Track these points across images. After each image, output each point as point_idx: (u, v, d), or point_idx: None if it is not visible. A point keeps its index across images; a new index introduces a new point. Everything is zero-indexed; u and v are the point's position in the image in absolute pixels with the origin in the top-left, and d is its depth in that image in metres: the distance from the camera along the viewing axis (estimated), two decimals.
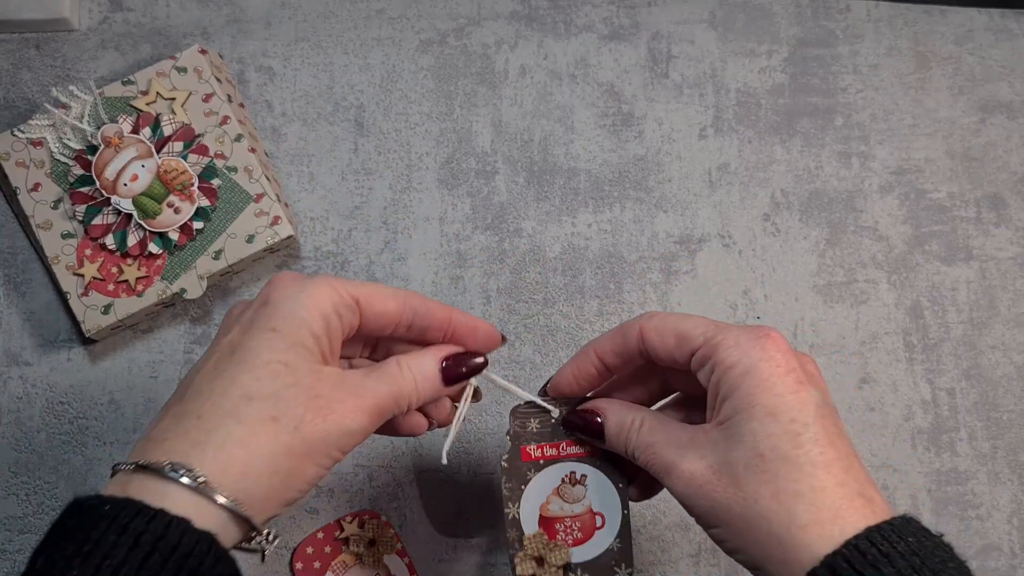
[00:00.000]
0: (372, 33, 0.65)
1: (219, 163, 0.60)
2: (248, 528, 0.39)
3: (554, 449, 0.48)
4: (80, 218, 0.58)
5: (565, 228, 0.62)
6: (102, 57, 0.64)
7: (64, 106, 0.60)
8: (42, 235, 0.59)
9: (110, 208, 0.58)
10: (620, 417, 0.45)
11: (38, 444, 0.59)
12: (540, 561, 0.48)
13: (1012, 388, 0.60)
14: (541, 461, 0.48)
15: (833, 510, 0.38)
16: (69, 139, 0.59)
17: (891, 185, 0.63)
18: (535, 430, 0.49)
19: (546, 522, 0.48)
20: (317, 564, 0.56)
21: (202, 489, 0.37)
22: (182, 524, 0.35)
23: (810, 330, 0.61)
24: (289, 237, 0.59)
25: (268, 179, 0.60)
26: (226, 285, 0.61)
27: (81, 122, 0.59)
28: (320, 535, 0.57)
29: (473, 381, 0.47)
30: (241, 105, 0.63)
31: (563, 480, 0.48)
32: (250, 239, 0.59)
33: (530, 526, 0.48)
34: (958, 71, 0.65)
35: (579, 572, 0.48)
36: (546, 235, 0.62)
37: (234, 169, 0.60)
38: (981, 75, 0.65)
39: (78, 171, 0.59)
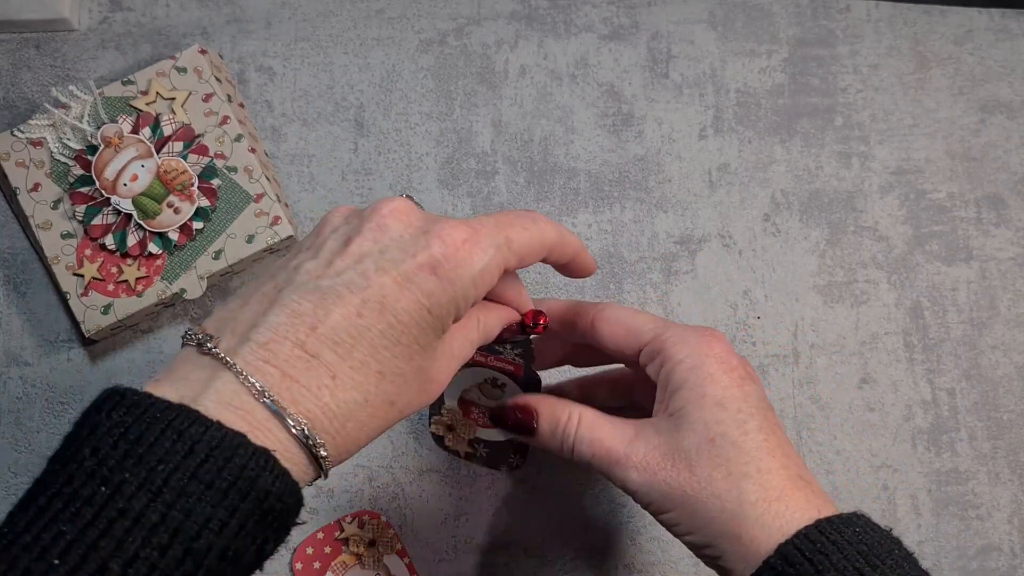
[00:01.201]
0: (372, 33, 0.65)
1: (219, 163, 0.60)
2: (317, 466, 0.38)
3: (482, 357, 0.49)
4: (80, 218, 0.58)
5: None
6: (102, 57, 0.64)
7: (64, 106, 0.60)
8: (42, 235, 0.59)
9: (110, 208, 0.58)
10: (554, 412, 0.46)
11: (38, 444, 0.59)
12: (451, 428, 0.53)
13: (1012, 388, 0.60)
14: (470, 362, 0.48)
15: (778, 489, 0.41)
16: (69, 139, 0.59)
17: (891, 185, 0.63)
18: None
19: (464, 404, 0.52)
20: (317, 564, 0.56)
21: (310, 446, 0.36)
22: (238, 437, 0.34)
23: (810, 330, 0.61)
24: (289, 237, 0.59)
25: (268, 179, 0.60)
26: (226, 285, 0.61)
27: (81, 122, 0.59)
28: (320, 535, 0.57)
29: None
30: (241, 105, 0.63)
31: (485, 380, 0.51)
32: (250, 239, 0.59)
33: (451, 401, 0.53)
34: (958, 71, 0.65)
35: (480, 447, 0.53)
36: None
37: (234, 169, 0.60)
38: (981, 75, 0.65)
39: (78, 171, 0.59)
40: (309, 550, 0.56)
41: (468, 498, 0.58)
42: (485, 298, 0.43)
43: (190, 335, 0.38)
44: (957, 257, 0.62)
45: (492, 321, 0.44)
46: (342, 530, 0.57)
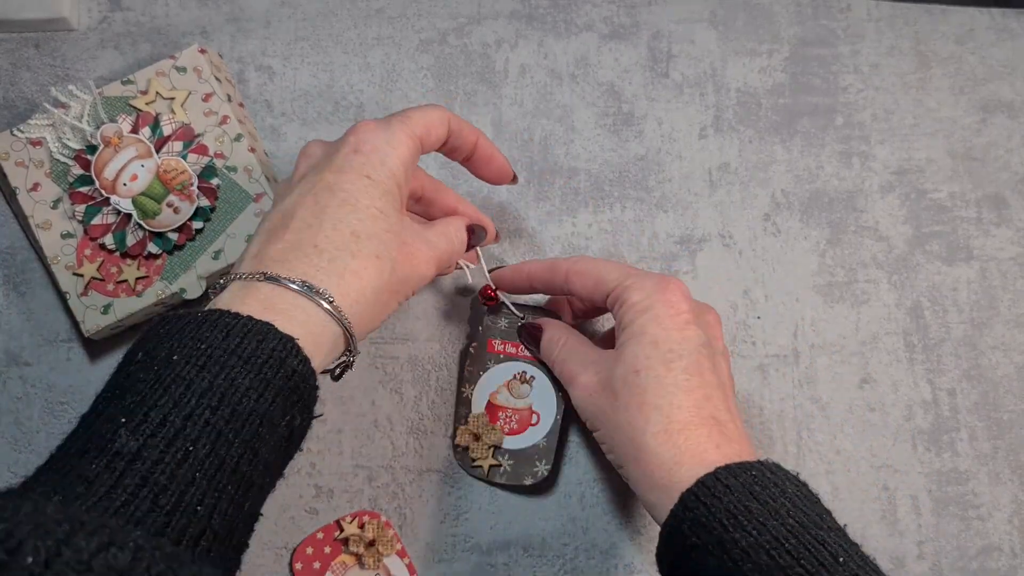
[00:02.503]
0: (372, 33, 0.65)
1: (219, 163, 0.59)
2: (344, 350, 0.45)
3: (515, 348, 0.57)
4: (79, 218, 0.58)
5: (565, 228, 0.62)
6: (101, 57, 0.64)
7: (63, 106, 0.60)
8: (41, 235, 0.59)
9: (109, 208, 0.58)
10: (552, 334, 0.55)
11: (38, 444, 0.59)
12: (477, 437, 0.57)
13: (1013, 388, 0.60)
14: (501, 355, 0.57)
15: (682, 424, 0.45)
16: (68, 139, 0.59)
17: (892, 185, 0.63)
18: (503, 328, 0.58)
19: (491, 408, 0.57)
20: (317, 564, 0.56)
21: (329, 308, 0.42)
22: (267, 325, 0.40)
23: (811, 330, 0.61)
24: None
25: (268, 179, 0.60)
26: None
27: (80, 122, 0.59)
28: (320, 535, 0.57)
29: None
30: (241, 105, 0.63)
31: (514, 376, 0.57)
32: (250, 239, 0.59)
33: (478, 407, 0.57)
34: (959, 71, 0.65)
35: (505, 457, 0.56)
36: (546, 235, 0.62)
37: (234, 169, 0.59)
38: (982, 75, 0.65)
39: (77, 171, 0.59)
40: (309, 550, 0.56)
41: (468, 498, 0.58)
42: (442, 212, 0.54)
43: (213, 287, 0.45)
44: (958, 257, 0.62)
45: (452, 224, 0.52)
46: (342, 530, 0.57)
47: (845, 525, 0.43)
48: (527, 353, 0.57)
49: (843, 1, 0.66)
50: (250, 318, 0.40)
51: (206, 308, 0.41)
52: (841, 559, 0.39)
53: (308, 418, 0.43)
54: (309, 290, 0.42)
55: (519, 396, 0.57)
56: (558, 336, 0.54)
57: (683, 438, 0.44)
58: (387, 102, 0.64)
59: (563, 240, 0.62)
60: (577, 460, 0.59)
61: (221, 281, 0.44)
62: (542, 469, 0.56)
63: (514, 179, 0.56)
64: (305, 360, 0.41)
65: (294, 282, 0.42)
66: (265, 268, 0.43)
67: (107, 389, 0.39)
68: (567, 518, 0.58)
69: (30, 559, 0.28)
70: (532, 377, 0.57)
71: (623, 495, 0.58)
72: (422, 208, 0.54)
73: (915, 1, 0.66)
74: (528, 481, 0.56)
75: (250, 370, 0.38)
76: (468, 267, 0.58)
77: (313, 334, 0.42)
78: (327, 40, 0.65)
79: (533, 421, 0.57)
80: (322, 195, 0.45)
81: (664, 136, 0.64)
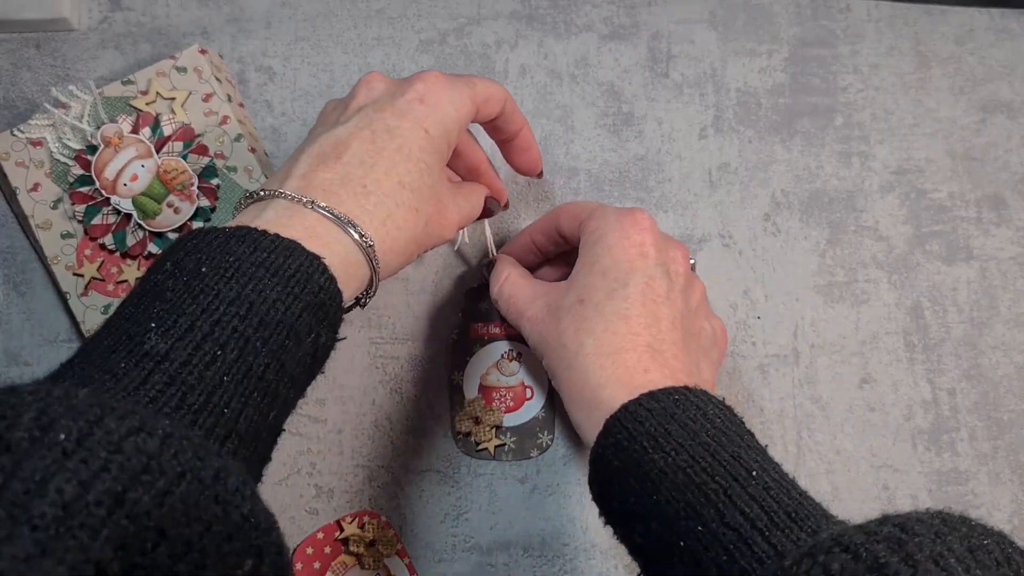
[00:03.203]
0: (372, 33, 0.65)
1: (219, 163, 0.59)
2: (365, 288, 0.45)
3: (498, 328, 0.59)
4: (80, 218, 0.58)
5: None
6: (102, 57, 0.64)
7: (64, 106, 0.60)
8: (42, 235, 0.59)
9: (110, 208, 0.58)
10: (498, 271, 0.55)
11: None
12: (477, 421, 0.58)
13: (1013, 388, 0.60)
14: (486, 338, 0.59)
15: (615, 348, 0.46)
16: (69, 139, 0.59)
17: (892, 185, 0.63)
18: (484, 310, 0.59)
19: (485, 390, 0.58)
20: (317, 564, 0.56)
21: (367, 250, 0.43)
22: (294, 243, 0.40)
23: (810, 330, 0.61)
24: None
25: (268, 179, 0.60)
26: None
27: (81, 122, 0.59)
28: (320, 535, 0.57)
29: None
30: (241, 105, 0.63)
31: (502, 356, 0.58)
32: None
33: (471, 392, 0.58)
34: (959, 71, 0.65)
35: (508, 434, 0.58)
36: None
37: (234, 169, 0.60)
38: (982, 75, 0.65)
39: (78, 171, 0.59)
40: (309, 550, 0.56)
41: (468, 498, 0.58)
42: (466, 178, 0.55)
43: (241, 201, 0.45)
44: (957, 257, 0.62)
45: (476, 192, 0.53)
46: (342, 530, 0.57)
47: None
48: (511, 331, 0.58)
49: (843, 1, 0.66)
50: (277, 235, 0.40)
51: (234, 223, 0.41)
52: (755, 473, 0.39)
53: (332, 337, 0.43)
54: (353, 229, 0.43)
55: (509, 374, 0.58)
56: (503, 272, 0.55)
57: (611, 361, 0.45)
58: None
59: None
60: (577, 460, 0.59)
61: (261, 191, 0.44)
62: (545, 440, 0.58)
63: (540, 174, 0.57)
64: (332, 279, 0.41)
65: (341, 217, 0.42)
66: (314, 195, 0.43)
67: (134, 296, 0.39)
68: (567, 518, 0.58)
69: (62, 435, 0.29)
70: (519, 354, 0.58)
71: None
72: (451, 159, 0.54)
73: (915, 1, 0.66)
74: (535, 454, 0.58)
75: (278, 282, 0.39)
76: (464, 232, 0.59)
77: (346, 264, 0.42)
78: (327, 41, 0.65)
79: (528, 396, 0.58)
80: (380, 135, 0.45)
81: (664, 136, 0.64)
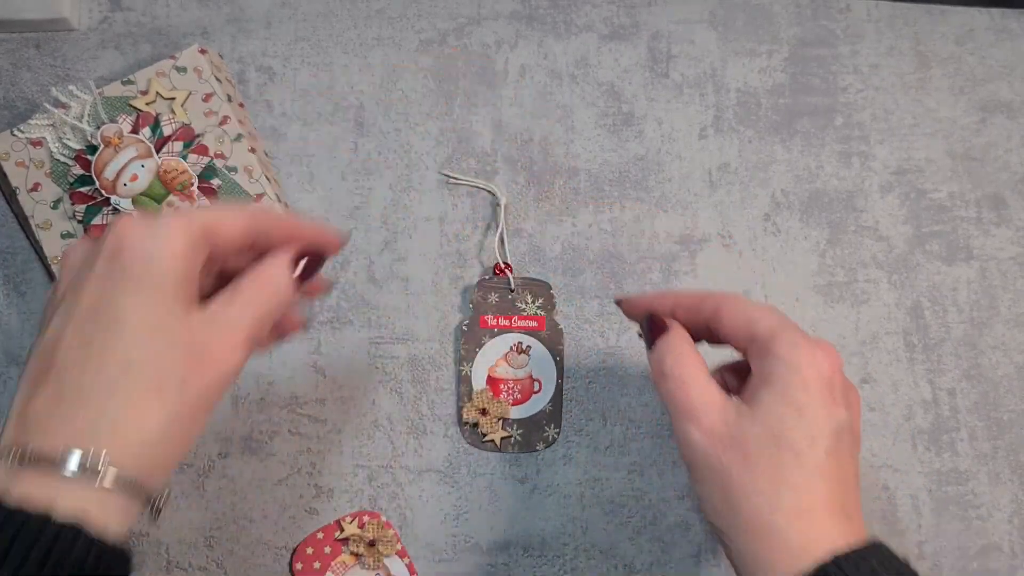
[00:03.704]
0: (372, 33, 0.65)
1: (219, 163, 0.59)
2: (146, 498, 0.38)
3: (507, 321, 0.59)
4: (80, 218, 0.58)
5: (565, 228, 0.62)
6: (102, 57, 0.64)
7: (64, 106, 0.60)
8: (42, 235, 0.59)
9: (110, 208, 0.58)
10: (668, 343, 0.47)
11: None
12: (484, 412, 0.58)
13: (1013, 388, 0.60)
14: (495, 329, 0.59)
15: (811, 510, 0.41)
16: (69, 139, 0.59)
17: (891, 185, 0.63)
18: (494, 303, 0.59)
19: (493, 382, 0.59)
20: (317, 564, 0.56)
21: (103, 474, 0.36)
22: (41, 517, 0.34)
23: (810, 330, 0.61)
24: None
25: (268, 179, 0.60)
26: None
27: (81, 122, 0.59)
28: (320, 535, 0.57)
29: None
30: (241, 105, 0.63)
31: (511, 348, 0.59)
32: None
33: (479, 383, 0.59)
34: (958, 71, 0.65)
35: (515, 427, 0.58)
36: (546, 235, 0.62)
37: (234, 169, 0.60)
38: (982, 75, 0.65)
39: (78, 171, 0.59)
40: (309, 550, 0.56)
41: (468, 498, 0.58)
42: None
43: None
44: (957, 257, 0.62)
45: (262, 281, 0.42)
46: (342, 530, 0.57)
47: None
48: (520, 324, 0.59)
49: (843, 1, 0.66)
50: (21, 511, 0.34)
51: None
52: None
53: None
54: (80, 467, 0.35)
55: (518, 366, 0.59)
56: (678, 346, 0.47)
57: (811, 524, 0.41)
58: (387, 102, 0.64)
59: (563, 240, 0.62)
60: (577, 460, 0.59)
61: None
62: (551, 433, 0.58)
63: (344, 240, 0.46)
64: (93, 543, 0.35)
65: (62, 460, 0.35)
66: (27, 438, 0.36)
67: None
68: (567, 518, 0.58)
69: None
70: (528, 347, 0.59)
71: (623, 495, 0.58)
72: (256, 253, 0.44)
73: (914, 1, 0.66)
74: (540, 447, 0.58)
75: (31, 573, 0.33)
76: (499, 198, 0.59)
77: (101, 504, 0.36)
78: (327, 40, 0.65)
79: (535, 389, 0.59)
80: (85, 321, 0.38)
81: (664, 136, 0.64)
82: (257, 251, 0.43)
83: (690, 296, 0.48)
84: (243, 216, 0.42)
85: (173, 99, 0.60)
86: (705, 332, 0.48)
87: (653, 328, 0.48)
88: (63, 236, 0.59)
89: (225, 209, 0.42)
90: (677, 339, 0.47)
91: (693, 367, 0.46)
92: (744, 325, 0.46)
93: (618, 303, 0.51)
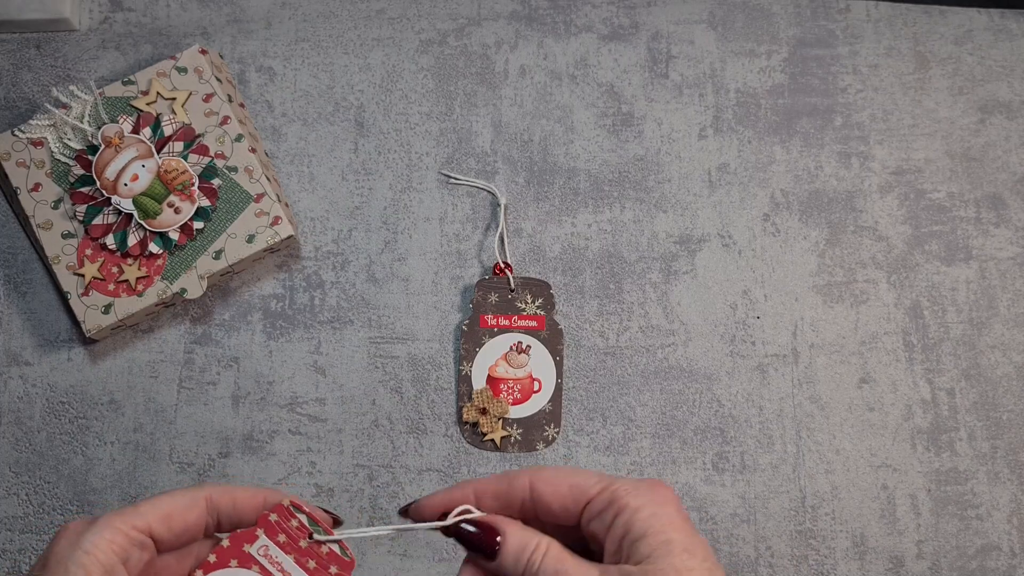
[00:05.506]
0: (372, 33, 0.65)
1: (219, 163, 0.60)
2: None
3: (507, 320, 0.60)
4: (80, 218, 0.59)
5: (565, 228, 0.62)
6: (102, 57, 0.64)
7: (64, 106, 0.60)
8: (42, 235, 0.59)
9: (110, 208, 0.58)
10: (523, 539, 0.42)
11: (38, 444, 0.59)
12: (483, 411, 0.58)
13: (1012, 388, 0.60)
14: (495, 329, 0.60)
15: None
16: (69, 139, 0.59)
17: (891, 185, 0.63)
18: (494, 302, 0.60)
19: (493, 381, 0.59)
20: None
21: None
22: None
23: (810, 330, 0.61)
24: (289, 237, 0.59)
25: (268, 179, 0.60)
26: (226, 285, 0.61)
27: (81, 122, 0.59)
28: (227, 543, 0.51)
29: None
30: (241, 105, 0.63)
31: (511, 348, 0.59)
32: (250, 239, 0.59)
33: (479, 382, 0.59)
34: (958, 71, 0.65)
35: (515, 426, 0.59)
36: (546, 235, 0.62)
37: (234, 169, 0.60)
38: (981, 75, 0.65)
39: (78, 171, 0.59)
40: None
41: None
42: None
43: None
44: (957, 257, 0.62)
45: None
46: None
47: None
48: (520, 324, 0.59)
49: (842, 2, 0.66)
50: None
51: None
52: None
53: None
54: None
55: (518, 366, 0.59)
56: (534, 542, 0.42)
57: None
58: (387, 102, 0.64)
59: (563, 240, 0.62)
60: (577, 460, 0.59)
61: None
62: (551, 432, 0.58)
63: (337, 522, 0.45)
64: None
65: None
66: None
67: None
68: None
69: None
70: (528, 346, 0.59)
71: None
72: (229, 530, 0.42)
73: (914, 2, 0.66)
74: (540, 446, 0.58)
75: None
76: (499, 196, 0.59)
77: None
78: (327, 41, 0.65)
79: (535, 388, 0.59)
80: None
81: (663, 136, 0.64)
82: (228, 530, 0.42)
83: (490, 481, 0.44)
84: (197, 504, 0.41)
85: (174, 99, 0.60)
86: (519, 513, 0.43)
87: (479, 541, 0.44)
88: (64, 236, 0.59)
89: (176, 500, 0.40)
90: (519, 533, 0.43)
91: (564, 556, 0.42)
92: (569, 492, 0.42)
93: (403, 513, 0.45)
